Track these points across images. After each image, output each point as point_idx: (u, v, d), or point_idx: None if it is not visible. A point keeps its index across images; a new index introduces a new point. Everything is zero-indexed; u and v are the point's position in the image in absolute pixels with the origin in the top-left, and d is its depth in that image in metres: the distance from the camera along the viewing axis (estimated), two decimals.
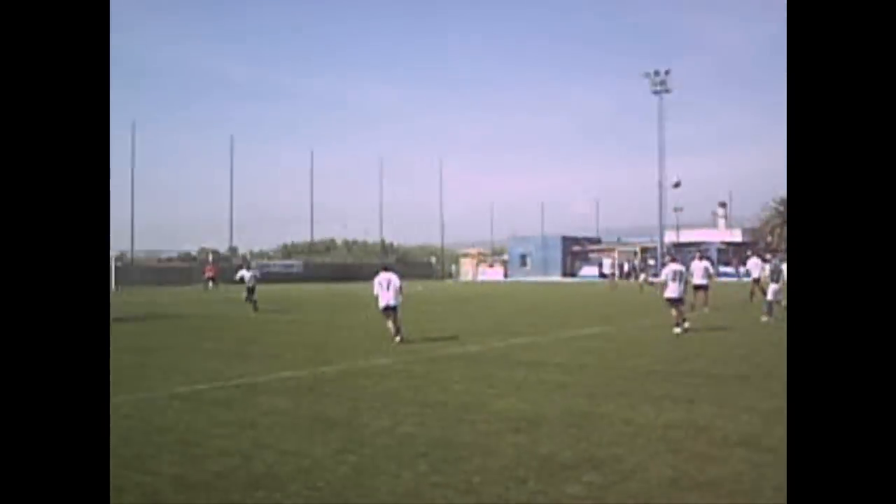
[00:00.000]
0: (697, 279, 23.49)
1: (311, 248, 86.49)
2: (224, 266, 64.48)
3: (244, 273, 28.63)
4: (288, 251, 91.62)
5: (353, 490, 5.88)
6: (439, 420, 8.41)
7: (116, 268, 57.39)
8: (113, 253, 57.92)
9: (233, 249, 73.89)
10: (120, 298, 40.06)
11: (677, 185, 60.16)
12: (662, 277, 19.06)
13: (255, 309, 26.91)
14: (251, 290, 27.91)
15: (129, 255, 62.61)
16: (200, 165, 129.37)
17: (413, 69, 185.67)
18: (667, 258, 21.76)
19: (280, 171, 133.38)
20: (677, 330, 17.63)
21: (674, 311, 18.05)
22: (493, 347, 15.76)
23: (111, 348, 14.11)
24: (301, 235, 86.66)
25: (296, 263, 73.40)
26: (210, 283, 50.96)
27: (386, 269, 17.56)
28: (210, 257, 59.40)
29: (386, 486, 5.96)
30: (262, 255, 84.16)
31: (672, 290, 18.01)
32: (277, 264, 72.96)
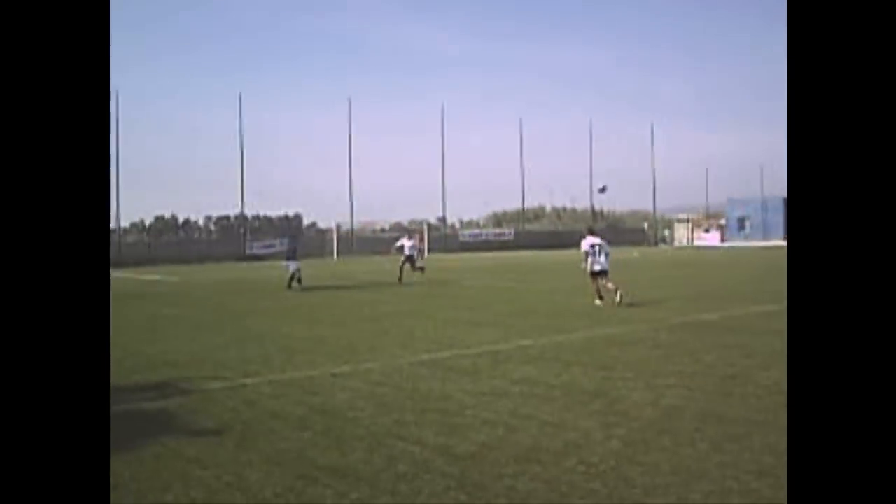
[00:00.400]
0: None
1: (520, 215, 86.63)
2: (435, 235, 65.97)
3: (404, 242, 28.12)
4: (498, 219, 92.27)
5: (630, 467, 5.49)
6: (703, 392, 7.86)
7: (338, 238, 59.95)
8: (333, 223, 60.50)
9: (442, 219, 75.15)
10: (343, 267, 41.78)
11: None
12: None
13: (400, 280, 26.59)
14: (409, 259, 27.73)
15: (347, 226, 65.03)
16: (413, 136, 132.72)
17: (618, 27, 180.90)
18: None
19: (488, 140, 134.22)
20: None
21: None
22: (732, 315, 14.83)
23: (344, 314, 13.92)
24: (511, 203, 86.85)
25: (507, 231, 73.60)
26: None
27: (592, 232, 17.48)
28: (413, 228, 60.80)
29: (667, 464, 5.53)
30: (471, 224, 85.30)
31: None
32: (489, 232, 73.48)
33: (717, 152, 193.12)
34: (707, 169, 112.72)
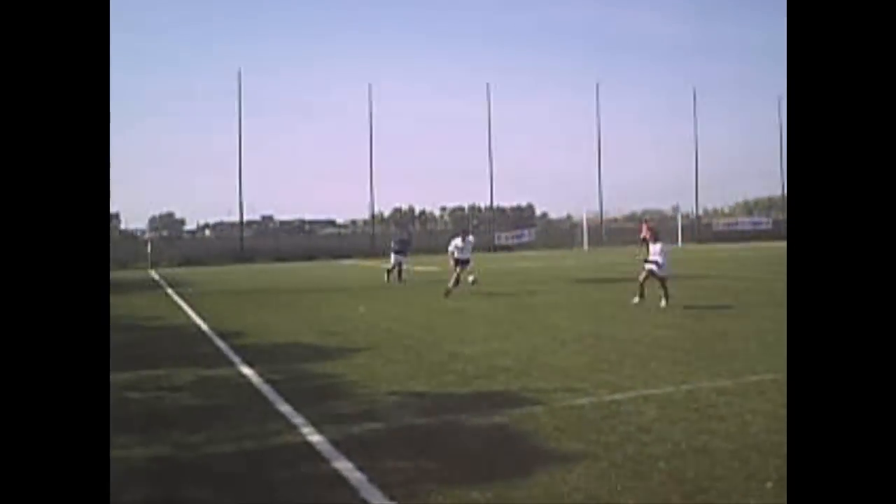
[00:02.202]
0: None
1: (771, 203, 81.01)
2: (670, 226, 62.70)
3: (457, 242, 20.32)
4: (748, 208, 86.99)
5: None
6: None
7: (588, 227, 58.23)
8: (583, 214, 58.88)
9: (675, 208, 71.40)
10: (603, 258, 40.03)
11: None
12: None
13: (399, 279, 25.26)
14: (460, 262, 20.18)
15: (598, 216, 63.09)
16: (665, 122, 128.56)
17: None
18: None
19: (742, 123, 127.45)
20: None
21: None
22: None
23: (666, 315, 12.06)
24: (765, 191, 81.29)
25: (763, 220, 68.65)
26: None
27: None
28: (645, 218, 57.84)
29: None
30: (717, 213, 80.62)
31: None
32: (744, 221, 68.91)
33: None
34: None
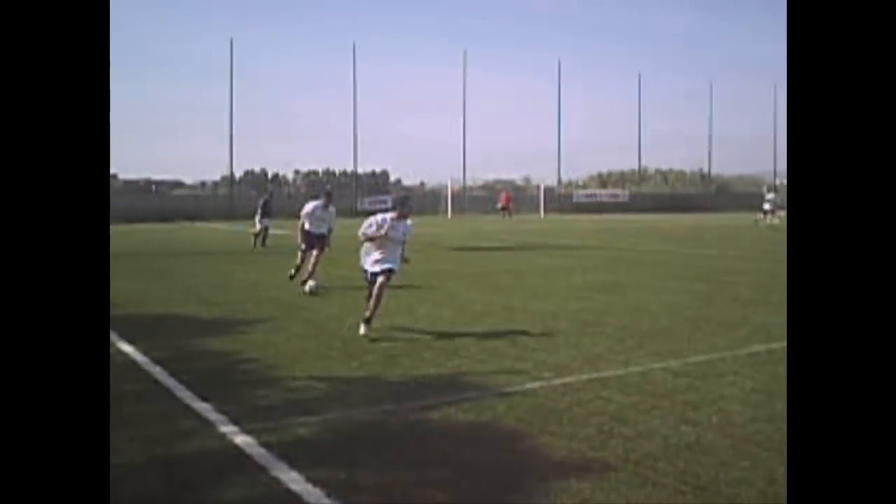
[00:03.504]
0: None
1: (625, 176, 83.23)
2: (529, 195, 63.37)
3: (313, 210, 14.36)
4: (603, 181, 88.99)
5: None
6: None
7: (452, 194, 57.98)
8: (449, 179, 58.58)
9: (526, 179, 72.34)
10: (471, 225, 39.70)
11: None
12: None
13: (263, 244, 23.73)
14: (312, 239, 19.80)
15: (460, 184, 62.83)
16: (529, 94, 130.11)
17: None
18: None
19: (597, 97, 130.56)
20: None
21: None
22: None
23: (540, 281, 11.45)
24: (618, 164, 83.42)
25: (621, 193, 70.34)
26: (504, 213, 50.46)
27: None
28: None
29: None
30: (572, 185, 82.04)
31: None
32: (603, 193, 70.39)
33: None
34: None
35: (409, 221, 9.51)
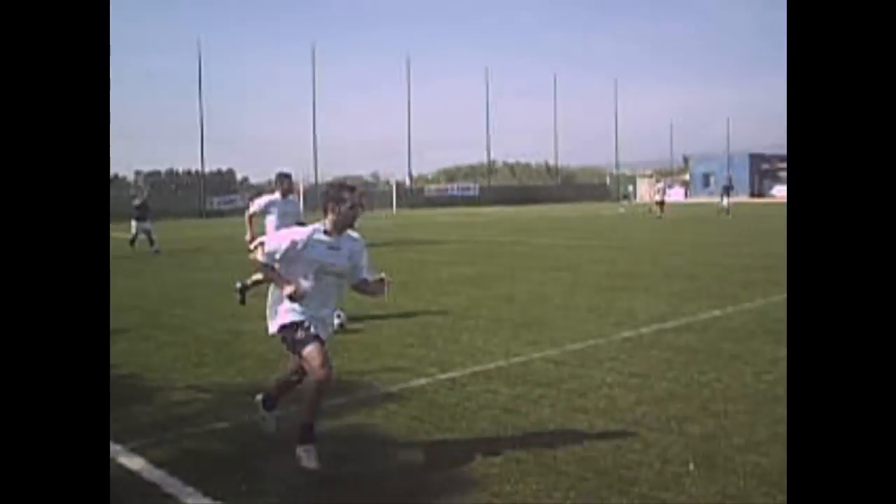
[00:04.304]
0: None
1: (473, 170, 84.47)
2: (380, 191, 63.45)
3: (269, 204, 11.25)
4: (450, 175, 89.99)
5: None
6: None
7: (304, 190, 57.17)
8: (300, 175, 57.70)
9: (375, 175, 72.48)
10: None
11: None
12: None
13: (151, 246, 21.94)
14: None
15: (312, 178, 62.05)
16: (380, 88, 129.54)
17: None
18: None
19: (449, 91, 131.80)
20: None
21: None
22: None
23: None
24: (466, 159, 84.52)
25: (472, 186, 71.38)
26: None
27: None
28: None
29: None
30: (421, 179, 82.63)
31: None
32: (455, 187, 71.18)
33: (678, 108, 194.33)
34: (671, 122, 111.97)
35: (355, 234, 5.09)
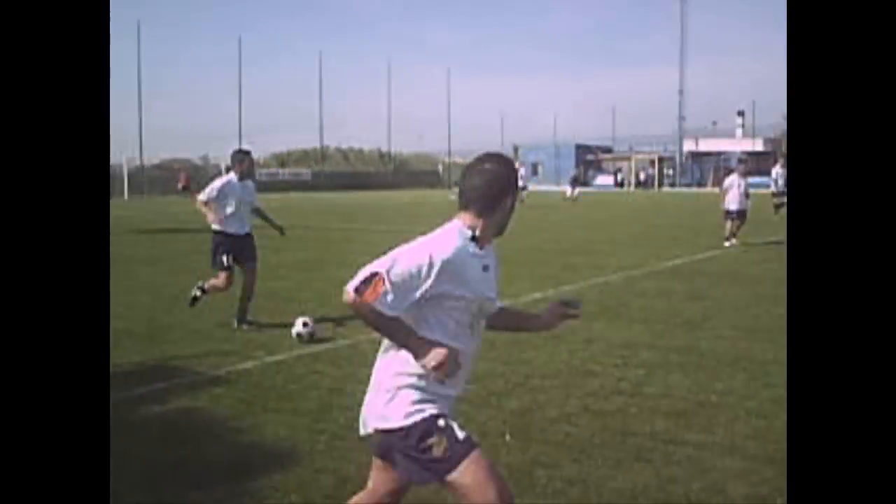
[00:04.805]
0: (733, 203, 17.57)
1: (306, 155, 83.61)
2: (197, 175, 61.90)
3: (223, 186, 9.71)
4: (281, 160, 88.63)
5: None
6: None
7: (128, 174, 54.90)
8: (124, 158, 55.41)
9: (205, 158, 70.55)
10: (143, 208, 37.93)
11: None
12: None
13: None
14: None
15: (137, 161, 59.57)
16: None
17: None
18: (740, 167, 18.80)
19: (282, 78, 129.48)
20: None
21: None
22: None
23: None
24: (293, 143, 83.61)
25: (304, 172, 70.65)
26: (185, 194, 49.11)
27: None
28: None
29: None
30: (255, 163, 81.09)
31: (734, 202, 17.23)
32: (287, 172, 70.21)
33: (509, 98, 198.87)
34: (502, 112, 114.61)
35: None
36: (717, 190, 20.53)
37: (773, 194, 25.69)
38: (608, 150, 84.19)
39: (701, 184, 69.42)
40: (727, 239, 16.99)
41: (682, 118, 75.85)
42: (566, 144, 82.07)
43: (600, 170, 79.10)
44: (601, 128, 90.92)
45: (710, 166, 71.46)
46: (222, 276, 8.54)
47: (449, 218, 3.09)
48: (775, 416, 5.34)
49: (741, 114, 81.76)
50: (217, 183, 8.64)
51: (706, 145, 76.74)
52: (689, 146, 76.73)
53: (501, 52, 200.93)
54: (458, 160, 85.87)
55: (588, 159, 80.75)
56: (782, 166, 26.48)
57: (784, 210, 24.64)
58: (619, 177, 74.71)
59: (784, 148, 73.26)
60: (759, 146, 74.15)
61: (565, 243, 18.01)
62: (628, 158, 75.99)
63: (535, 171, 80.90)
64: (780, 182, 25.45)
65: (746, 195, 17.57)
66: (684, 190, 65.06)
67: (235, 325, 8.39)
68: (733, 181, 17.67)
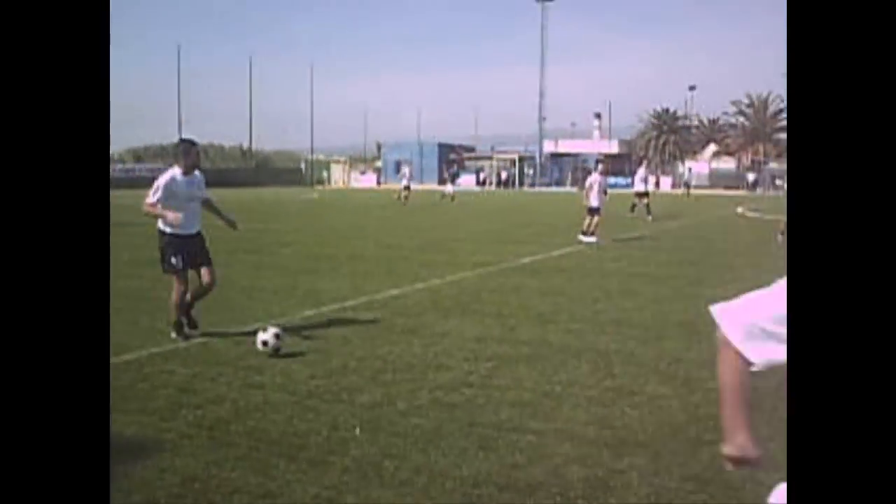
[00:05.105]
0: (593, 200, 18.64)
1: (164, 150, 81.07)
2: None
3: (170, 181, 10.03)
4: (138, 154, 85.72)
5: None
6: None
7: None
8: None
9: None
10: None
11: None
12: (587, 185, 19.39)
13: None
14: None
15: None
16: None
17: None
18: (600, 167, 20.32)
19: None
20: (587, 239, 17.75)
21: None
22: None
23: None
24: (150, 139, 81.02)
25: (162, 168, 68.27)
26: None
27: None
28: None
29: None
30: (110, 158, 78.11)
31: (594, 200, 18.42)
32: (142, 167, 67.83)
33: (373, 96, 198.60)
34: (366, 109, 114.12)
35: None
36: (575, 190, 21.59)
37: (637, 194, 27.75)
38: (471, 150, 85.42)
39: (560, 183, 71.53)
40: (584, 233, 17.72)
41: (542, 119, 77.75)
42: (429, 143, 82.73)
43: (463, 169, 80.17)
44: (464, 127, 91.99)
45: (569, 167, 73.80)
46: (176, 280, 7.81)
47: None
48: (613, 403, 5.63)
49: (598, 116, 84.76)
50: (161, 181, 7.80)
51: (565, 146, 79.18)
52: (549, 147, 78.89)
53: (366, 50, 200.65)
54: (321, 157, 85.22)
55: (451, 158, 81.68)
56: (646, 168, 29.58)
57: (638, 209, 26.65)
58: (481, 176, 75.89)
59: (639, 149, 76.71)
60: (614, 148, 77.06)
61: (424, 240, 18.24)
62: (490, 158, 77.39)
63: (398, 170, 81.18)
64: (646, 183, 28.08)
65: (605, 192, 19.04)
66: (544, 189, 66.83)
67: (174, 334, 7.68)
68: (594, 180, 18.96)
